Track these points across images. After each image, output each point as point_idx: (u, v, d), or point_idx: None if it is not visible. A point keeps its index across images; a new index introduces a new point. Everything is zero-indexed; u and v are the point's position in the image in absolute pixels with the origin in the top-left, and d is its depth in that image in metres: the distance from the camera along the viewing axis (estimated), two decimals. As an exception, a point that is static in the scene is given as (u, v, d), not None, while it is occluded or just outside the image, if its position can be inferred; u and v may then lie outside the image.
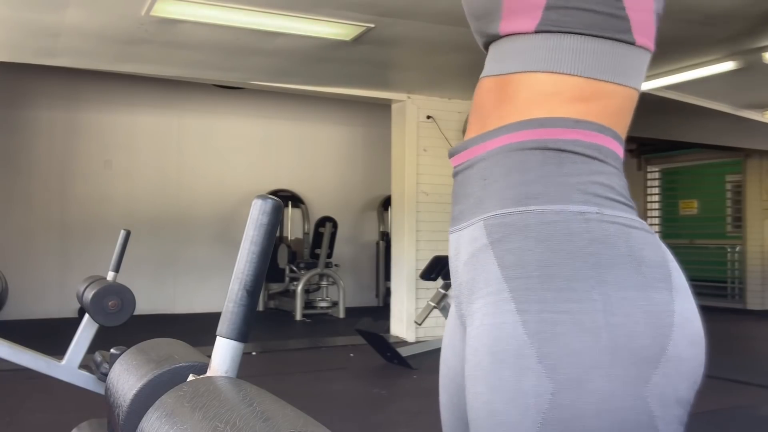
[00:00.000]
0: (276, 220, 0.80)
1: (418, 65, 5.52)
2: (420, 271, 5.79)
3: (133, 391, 0.80)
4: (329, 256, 8.08)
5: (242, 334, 0.75)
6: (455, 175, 0.83)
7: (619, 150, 0.75)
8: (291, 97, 7.53)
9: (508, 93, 0.77)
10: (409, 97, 6.46)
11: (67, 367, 2.73)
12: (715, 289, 9.65)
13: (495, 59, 0.81)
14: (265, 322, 7.30)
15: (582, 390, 0.64)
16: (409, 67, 5.63)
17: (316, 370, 5.20)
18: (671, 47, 4.84)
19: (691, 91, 6.31)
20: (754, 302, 9.47)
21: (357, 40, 4.61)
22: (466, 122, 6.63)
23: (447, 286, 5.27)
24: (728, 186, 10.15)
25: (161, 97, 7.99)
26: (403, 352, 5.32)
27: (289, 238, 8.54)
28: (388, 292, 7.59)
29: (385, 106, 6.76)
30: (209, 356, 0.76)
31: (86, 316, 2.75)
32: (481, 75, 0.84)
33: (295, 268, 8.05)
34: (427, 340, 5.75)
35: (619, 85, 0.74)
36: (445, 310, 5.16)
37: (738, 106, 6.74)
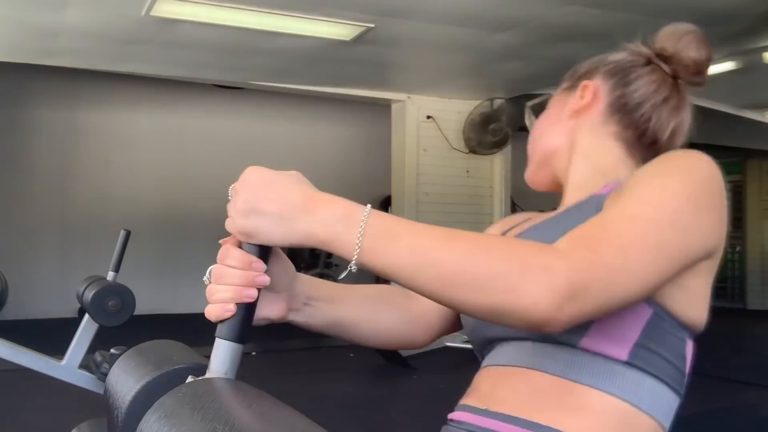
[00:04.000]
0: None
1: (418, 65, 5.52)
2: (420, 271, 5.78)
3: (132, 393, 0.80)
4: (329, 256, 8.08)
5: (241, 336, 0.75)
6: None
7: None
8: (291, 97, 7.53)
9: (562, 395, 0.82)
10: (409, 97, 6.45)
11: (67, 367, 2.72)
12: (715, 289, 9.62)
13: (549, 358, 0.84)
14: (265, 322, 7.29)
15: None
16: (409, 67, 5.63)
17: (316, 370, 5.21)
18: (671, 47, 4.84)
19: (691, 91, 6.29)
20: (754, 302, 9.47)
21: (357, 40, 4.61)
22: (465, 123, 6.65)
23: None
24: (728, 186, 10.15)
25: (161, 97, 7.98)
26: (403, 352, 5.32)
27: (289, 238, 8.52)
28: (388, 292, 7.58)
29: (385, 106, 6.76)
30: (209, 357, 0.76)
31: (86, 316, 2.75)
32: (506, 362, 0.89)
33: (295, 268, 8.03)
34: (427, 340, 5.75)
35: (661, 425, 0.84)
36: (445, 310, 5.15)
37: (738, 106, 6.74)
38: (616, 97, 0.99)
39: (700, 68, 1.00)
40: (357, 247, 0.70)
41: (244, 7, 4.00)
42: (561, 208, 1.00)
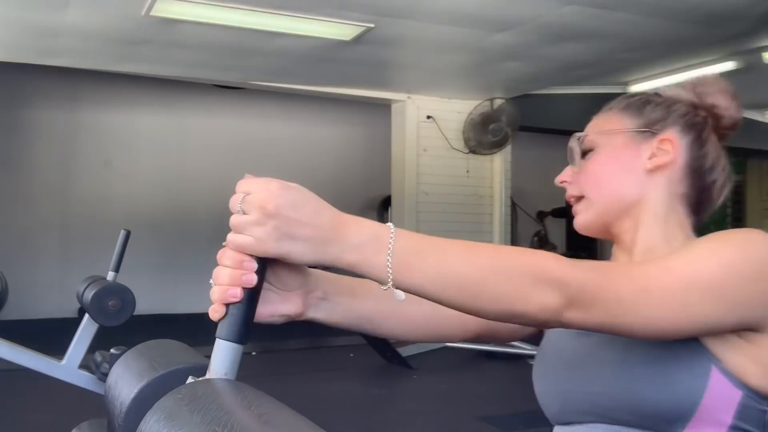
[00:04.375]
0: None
1: (418, 65, 5.52)
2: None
3: (132, 394, 0.80)
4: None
5: (242, 336, 0.75)
6: None
7: None
8: (291, 97, 7.53)
9: None
10: (409, 97, 6.45)
11: (67, 367, 2.72)
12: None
13: None
14: (265, 322, 7.27)
15: None
16: (409, 67, 5.63)
17: (316, 370, 5.20)
18: (671, 47, 4.84)
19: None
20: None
21: (357, 40, 4.61)
22: (465, 123, 6.65)
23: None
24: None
25: (161, 97, 7.98)
26: (403, 352, 5.32)
27: (289, 238, 8.50)
28: (388, 292, 7.57)
29: (385, 106, 6.75)
30: (210, 357, 0.76)
31: (86, 316, 2.75)
32: None
33: (295, 268, 8.02)
34: (427, 340, 5.74)
35: None
36: (445, 310, 5.15)
37: (738, 106, 6.74)
38: (694, 158, 0.96)
39: (734, 128, 0.98)
40: (389, 270, 0.72)
41: (244, 7, 4.00)
42: None
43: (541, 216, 9.00)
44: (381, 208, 8.89)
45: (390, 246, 0.73)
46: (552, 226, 9.13)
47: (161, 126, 8.20)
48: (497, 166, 6.82)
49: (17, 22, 4.32)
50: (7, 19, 4.25)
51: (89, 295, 2.64)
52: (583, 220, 1.01)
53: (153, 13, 4.04)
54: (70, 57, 5.14)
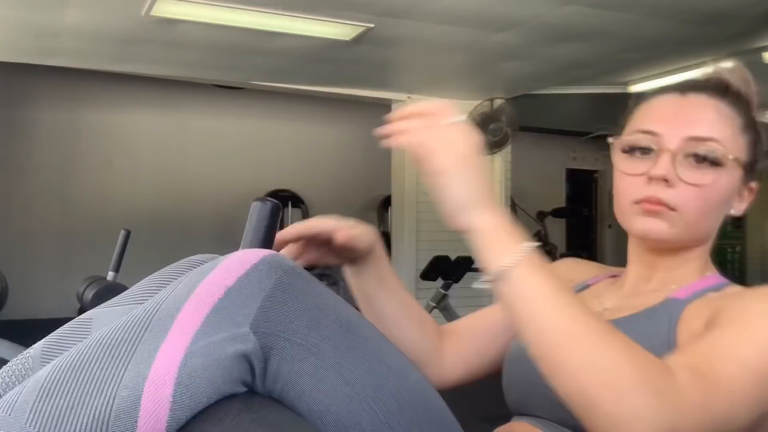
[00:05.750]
0: (275, 222, 0.80)
1: (418, 65, 5.52)
2: (420, 271, 5.79)
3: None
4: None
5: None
6: None
7: None
8: (291, 97, 7.53)
9: None
10: (409, 97, 6.45)
11: (67, 367, 2.72)
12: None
13: None
14: (265, 322, 7.25)
15: None
16: (409, 67, 5.63)
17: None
18: (671, 47, 4.84)
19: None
20: (754, 302, 9.44)
21: (357, 40, 4.61)
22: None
23: (447, 286, 5.27)
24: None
25: (161, 97, 7.98)
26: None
27: (289, 238, 8.49)
28: (388, 292, 7.55)
29: (385, 106, 6.75)
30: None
31: (86, 316, 2.75)
32: None
33: (295, 268, 8.00)
34: (427, 340, 5.74)
35: None
36: (445, 310, 5.16)
37: (738, 106, 6.74)
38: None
39: None
40: (506, 257, 0.74)
41: (244, 7, 4.00)
42: (639, 298, 0.94)
43: (541, 216, 9.00)
44: (381, 208, 8.89)
45: (522, 246, 0.73)
46: (552, 226, 9.14)
47: (162, 126, 8.20)
48: (497, 166, 6.82)
49: (17, 22, 4.32)
50: (7, 19, 4.25)
51: (89, 295, 2.64)
52: (667, 233, 0.89)
53: (153, 13, 4.04)
54: (70, 57, 5.15)
